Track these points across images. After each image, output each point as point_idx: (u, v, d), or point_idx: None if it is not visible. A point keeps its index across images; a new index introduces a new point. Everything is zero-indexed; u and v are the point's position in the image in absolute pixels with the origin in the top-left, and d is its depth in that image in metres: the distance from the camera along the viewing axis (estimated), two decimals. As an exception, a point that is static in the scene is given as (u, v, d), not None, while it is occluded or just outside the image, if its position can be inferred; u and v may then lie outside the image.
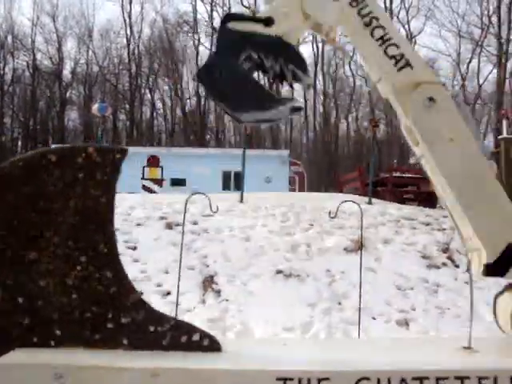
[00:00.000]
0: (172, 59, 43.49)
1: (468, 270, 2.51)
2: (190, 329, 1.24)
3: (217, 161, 21.63)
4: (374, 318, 6.18)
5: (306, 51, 44.15)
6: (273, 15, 2.37)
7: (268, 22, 2.35)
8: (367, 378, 1.83)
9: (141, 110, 44.85)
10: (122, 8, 43.23)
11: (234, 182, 20.89)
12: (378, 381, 1.85)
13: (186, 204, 4.49)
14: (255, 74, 2.42)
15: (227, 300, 6.43)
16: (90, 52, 44.13)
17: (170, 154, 23.16)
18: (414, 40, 40.96)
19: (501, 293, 2.58)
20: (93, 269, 1.05)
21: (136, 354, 1.10)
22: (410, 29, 41.02)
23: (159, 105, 45.75)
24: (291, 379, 1.36)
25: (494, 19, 37.08)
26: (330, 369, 1.76)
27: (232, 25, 2.30)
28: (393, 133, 39.09)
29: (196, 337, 1.31)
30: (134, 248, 7.78)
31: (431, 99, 2.36)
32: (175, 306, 4.37)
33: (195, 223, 8.45)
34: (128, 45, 43.28)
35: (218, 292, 6.64)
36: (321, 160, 39.79)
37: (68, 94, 44.42)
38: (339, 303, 6.54)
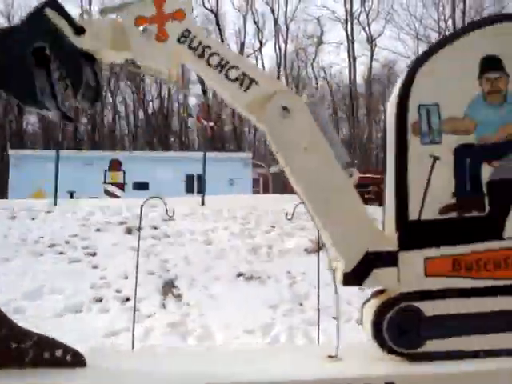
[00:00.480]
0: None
1: (333, 278, 2.53)
2: (53, 344, 1.23)
3: (180, 164, 21.53)
4: (334, 318, 6.23)
5: (269, 53, 44.21)
6: (87, 28, 2.32)
7: (79, 31, 2.30)
8: None
9: (102, 113, 44.17)
10: (82, 6, 42.53)
11: (197, 185, 20.83)
12: None
13: (141, 209, 4.45)
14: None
15: (188, 304, 6.39)
16: (49, 54, 43.16)
17: (132, 158, 22.94)
18: (374, 43, 41.71)
19: (367, 300, 2.61)
20: None
21: (3, 372, 1.08)
22: (370, 31, 41.75)
23: (121, 108, 45.19)
24: None
25: (450, 23, 38.11)
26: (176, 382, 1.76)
27: (50, 12, 2.24)
28: (358, 134, 39.73)
29: (59, 352, 1.30)
30: (94, 254, 7.66)
31: (285, 108, 2.33)
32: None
33: (156, 227, 8.39)
34: (88, 47, 42.56)
35: (179, 296, 6.59)
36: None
37: (26, 98, 43.31)
38: (300, 304, 6.58)
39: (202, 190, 12.01)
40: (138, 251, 4.33)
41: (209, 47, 2.36)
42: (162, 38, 2.34)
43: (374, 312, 2.41)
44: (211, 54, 2.36)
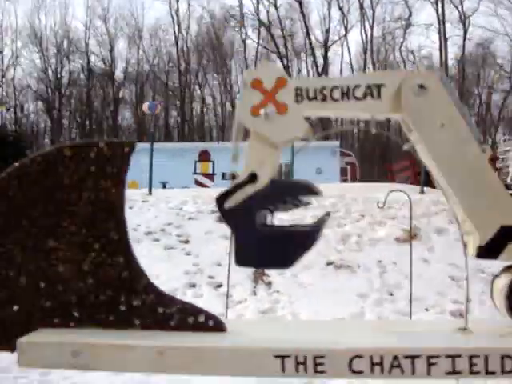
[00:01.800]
0: (220, 54, 43.87)
1: (464, 251, 2.53)
2: (195, 310, 1.33)
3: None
4: (426, 310, 6.08)
5: (355, 38, 43.34)
6: (253, 170, 2.33)
7: (252, 178, 2.32)
8: (360, 356, 1.91)
9: (191, 106, 45.54)
10: (170, 6, 43.93)
11: (284, 174, 20.92)
12: (371, 358, 1.92)
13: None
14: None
15: (278, 292, 6.50)
16: (141, 51, 45.17)
17: (220, 149, 23.42)
18: (468, 21, 39.56)
19: (498, 275, 2.58)
20: (105, 255, 1.13)
21: (146, 333, 1.20)
22: (463, 9, 39.63)
23: (209, 100, 46.31)
24: (288, 356, 1.44)
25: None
26: (325, 347, 1.85)
27: (227, 204, 2.27)
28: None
29: (201, 318, 1.40)
30: (187, 241, 7.97)
31: (421, 86, 2.34)
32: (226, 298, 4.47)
33: (245, 216, 8.54)
34: (176, 42, 43.99)
35: (269, 284, 6.71)
36: (373, 150, 39.18)
37: (121, 94, 45.67)
38: (391, 294, 6.48)
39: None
40: (231, 238, 4.45)
41: (324, 88, 2.41)
42: (283, 110, 2.39)
43: (509, 286, 2.41)
44: (331, 91, 2.41)
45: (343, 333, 2.36)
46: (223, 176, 22.10)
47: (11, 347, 0.97)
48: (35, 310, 1.06)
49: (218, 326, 1.41)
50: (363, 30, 41.93)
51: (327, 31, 42.65)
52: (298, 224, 2.64)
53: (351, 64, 42.89)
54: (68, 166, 1.05)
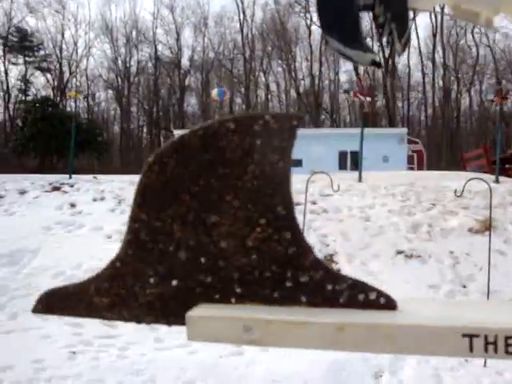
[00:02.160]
0: (285, 40, 43.67)
1: None
2: (366, 288, 1.28)
3: (333, 141, 21.50)
4: None
5: (424, 21, 41.91)
6: None
7: None
8: None
9: (256, 92, 45.73)
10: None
11: (350, 161, 20.68)
12: None
13: (307, 183, 4.62)
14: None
15: (347, 279, 6.49)
16: (206, 39, 45.74)
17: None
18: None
19: None
20: (272, 230, 1.10)
21: (316, 310, 1.14)
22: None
23: (273, 87, 46.31)
24: (477, 336, 1.34)
25: None
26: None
27: None
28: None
29: (373, 295, 1.32)
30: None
31: None
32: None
33: (314, 203, 8.56)
34: (241, 29, 44.19)
35: (338, 271, 6.71)
36: (441, 137, 37.91)
37: (187, 81, 46.51)
38: (464, 286, 6.33)
39: (356, 167, 11.94)
40: (303, 225, 4.51)
41: None
42: None
43: None
44: None
45: None
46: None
47: (168, 321, 1.01)
48: (195, 285, 1.07)
49: (389, 303, 1.36)
50: (433, 13, 40.39)
51: (395, 15, 41.38)
52: None
53: (419, 48, 41.52)
54: (231, 139, 1.02)
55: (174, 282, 1.03)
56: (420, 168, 24.21)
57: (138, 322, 0.96)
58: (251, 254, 1.08)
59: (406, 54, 42.23)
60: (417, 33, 41.30)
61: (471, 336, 1.31)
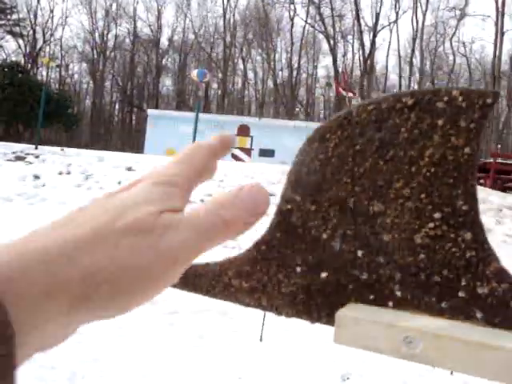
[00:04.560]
0: (266, 30, 43.37)
1: None
2: None
3: (306, 133, 21.33)
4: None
5: (404, 25, 42.21)
6: None
7: None
8: None
9: (233, 79, 45.36)
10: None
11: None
12: None
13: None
14: None
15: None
16: (188, 20, 45.02)
17: (260, 125, 23.27)
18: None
19: None
20: (448, 228, 0.90)
21: (496, 332, 0.88)
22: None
23: (251, 75, 46.02)
24: None
25: None
26: None
27: None
28: (494, 116, 36.84)
29: None
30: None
31: None
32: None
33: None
34: (224, 14, 43.65)
35: None
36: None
37: (164, 62, 45.76)
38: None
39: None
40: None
41: None
42: None
43: None
44: None
45: None
46: (261, 152, 22.01)
47: (310, 317, 0.84)
48: (347, 281, 0.89)
49: None
50: (415, 17, 40.76)
51: (377, 15, 41.64)
52: None
53: (399, 51, 41.91)
54: (408, 116, 0.84)
55: (324, 275, 0.85)
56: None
57: (277, 313, 0.82)
58: (419, 252, 0.89)
59: (384, 55, 42.55)
60: (398, 36, 41.63)
61: None
